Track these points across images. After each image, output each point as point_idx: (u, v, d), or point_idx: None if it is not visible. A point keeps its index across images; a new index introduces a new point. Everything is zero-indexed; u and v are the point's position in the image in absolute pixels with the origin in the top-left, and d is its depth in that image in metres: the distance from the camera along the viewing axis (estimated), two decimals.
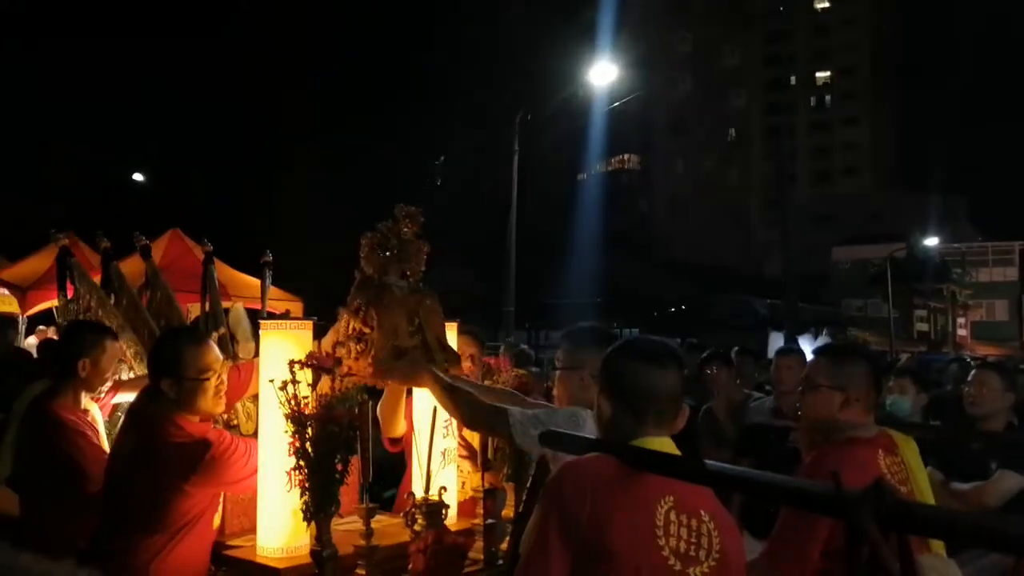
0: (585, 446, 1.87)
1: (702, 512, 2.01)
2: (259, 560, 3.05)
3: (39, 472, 3.47)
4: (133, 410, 3.16)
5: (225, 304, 5.40)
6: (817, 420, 2.78)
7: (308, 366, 2.99)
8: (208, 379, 2.98)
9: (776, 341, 18.43)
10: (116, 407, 3.96)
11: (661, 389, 2.09)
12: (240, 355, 3.82)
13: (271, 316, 4.18)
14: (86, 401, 3.60)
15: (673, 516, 1.97)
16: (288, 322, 3.25)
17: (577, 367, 2.85)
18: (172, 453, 2.88)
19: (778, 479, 1.48)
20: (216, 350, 3.06)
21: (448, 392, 2.95)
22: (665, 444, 2.06)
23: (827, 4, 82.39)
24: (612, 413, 2.13)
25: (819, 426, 2.78)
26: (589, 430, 2.61)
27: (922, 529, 1.34)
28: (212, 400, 3.01)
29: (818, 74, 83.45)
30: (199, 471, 2.86)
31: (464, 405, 2.91)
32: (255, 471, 3.00)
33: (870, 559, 1.34)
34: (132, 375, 4.23)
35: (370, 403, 2.91)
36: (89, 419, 3.59)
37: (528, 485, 2.98)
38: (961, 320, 51.75)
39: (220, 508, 3.21)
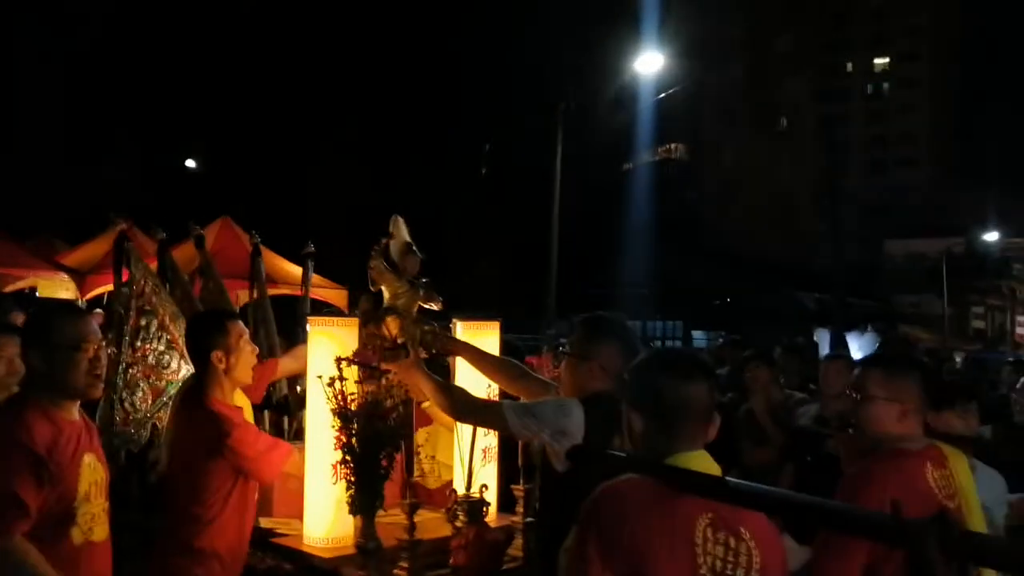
0: (618, 465, 1.86)
1: (742, 529, 1.97)
2: (305, 549, 3.14)
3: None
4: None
5: (271, 292, 5.51)
6: (871, 433, 2.69)
7: (354, 363, 3.03)
8: (83, 351, 2.60)
9: (823, 338, 18.13)
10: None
11: (693, 403, 2.05)
12: (405, 268, 3.55)
13: (315, 304, 4.26)
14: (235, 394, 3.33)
15: (710, 533, 1.94)
16: (335, 319, 3.31)
17: (588, 356, 2.83)
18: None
19: (838, 506, 1.46)
20: (94, 324, 2.72)
21: (440, 389, 3.05)
22: (701, 459, 2.02)
23: None
24: (644, 429, 2.09)
25: (872, 439, 2.69)
26: (576, 422, 2.65)
27: (987, 560, 1.32)
28: (85, 378, 2.60)
29: (876, 60, 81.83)
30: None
31: (455, 399, 3.00)
32: None
33: None
34: (183, 364, 4.32)
35: (414, 401, 2.94)
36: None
37: (540, 484, 2.97)
38: (1021, 318, 50.57)
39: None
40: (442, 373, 3.40)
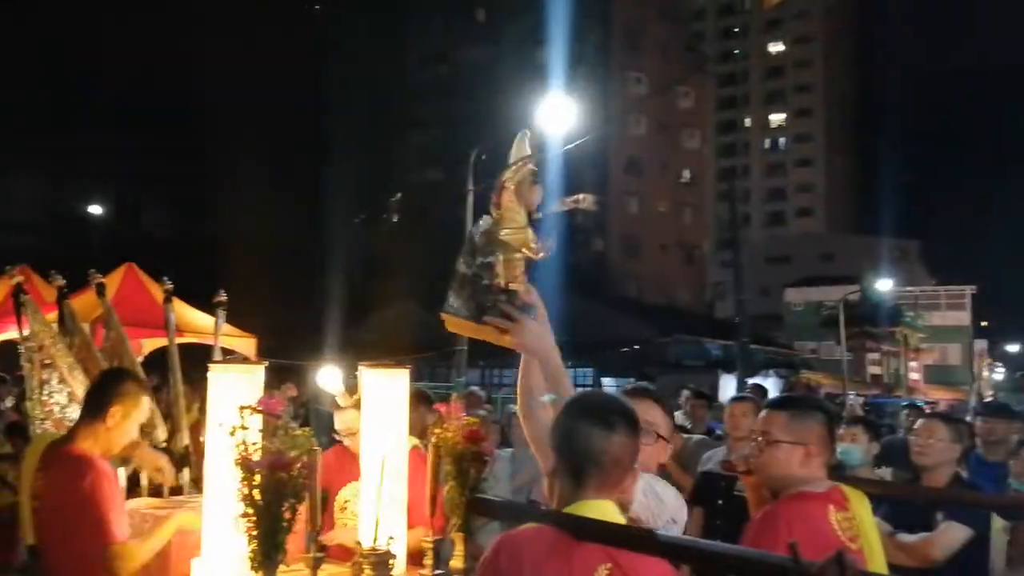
0: (516, 514, 1.83)
1: None
2: None
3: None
4: None
5: (179, 340, 5.37)
6: (775, 476, 2.73)
7: (258, 411, 2.95)
8: None
9: (727, 383, 18.51)
10: None
11: (606, 452, 2.00)
12: (528, 201, 2.74)
13: (222, 353, 4.17)
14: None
15: None
16: (238, 365, 3.22)
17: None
18: None
19: (737, 550, 1.47)
20: None
21: (565, 384, 2.46)
22: (605, 508, 1.98)
23: (782, 47, 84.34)
24: (554, 471, 2.07)
25: (776, 482, 2.73)
26: (670, 504, 2.51)
27: None
28: None
29: (772, 116, 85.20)
30: None
31: None
32: None
33: None
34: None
35: (319, 451, 2.86)
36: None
37: None
38: (914, 364, 52.46)
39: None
40: None
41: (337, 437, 4.00)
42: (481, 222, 2.69)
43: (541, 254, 2.69)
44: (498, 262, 2.59)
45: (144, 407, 3.31)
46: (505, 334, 2.52)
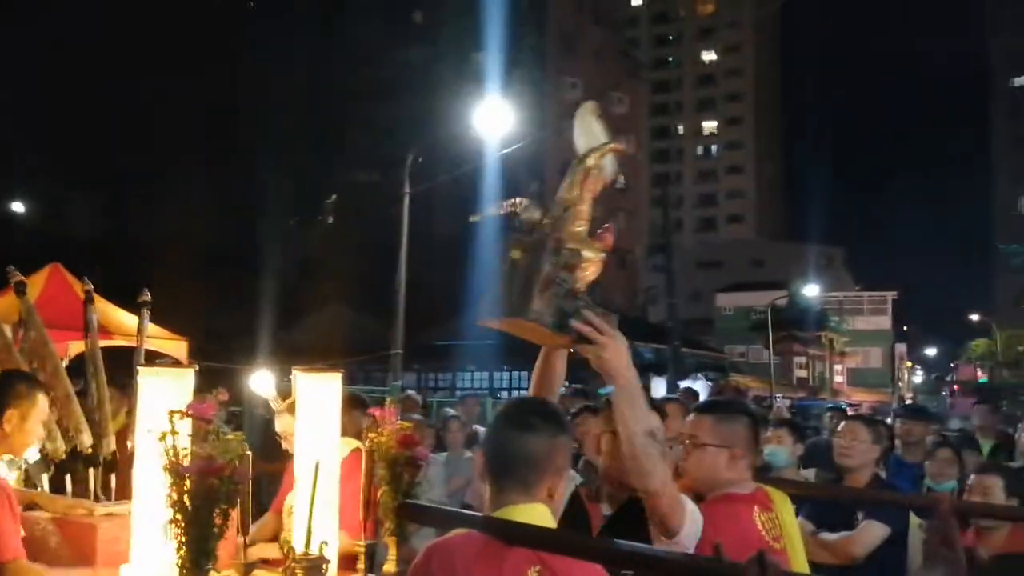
0: (446, 519, 1.85)
1: None
2: None
3: None
4: None
5: (103, 342, 5.27)
6: (703, 479, 2.79)
7: (189, 416, 2.92)
8: None
9: (658, 386, 18.75)
10: None
11: (529, 454, 2.01)
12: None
13: (149, 355, 4.11)
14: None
15: None
16: (167, 369, 3.18)
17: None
18: None
19: (661, 552, 1.52)
20: None
21: (640, 400, 2.43)
22: (534, 511, 1.99)
23: (714, 56, 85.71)
24: (482, 476, 2.11)
25: (703, 484, 2.79)
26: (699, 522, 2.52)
27: None
28: None
29: (704, 124, 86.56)
30: None
31: (660, 462, 2.35)
32: None
33: None
34: None
35: (251, 456, 2.84)
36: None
37: None
38: (838, 367, 53.80)
39: None
40: None
41: (278, 439, 3.98)
42: (551, 213, 2.35)
43: (602, 246, 2.43)
44: (579, 264, 2.32)
45: (43, 406, 3.21)
46: (585, 343, 2.40)
